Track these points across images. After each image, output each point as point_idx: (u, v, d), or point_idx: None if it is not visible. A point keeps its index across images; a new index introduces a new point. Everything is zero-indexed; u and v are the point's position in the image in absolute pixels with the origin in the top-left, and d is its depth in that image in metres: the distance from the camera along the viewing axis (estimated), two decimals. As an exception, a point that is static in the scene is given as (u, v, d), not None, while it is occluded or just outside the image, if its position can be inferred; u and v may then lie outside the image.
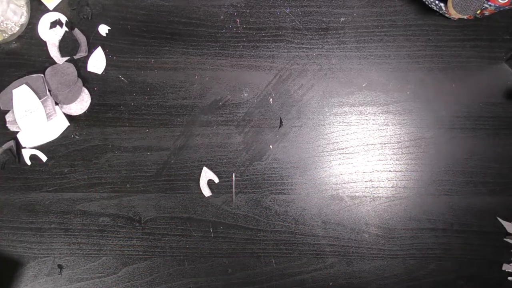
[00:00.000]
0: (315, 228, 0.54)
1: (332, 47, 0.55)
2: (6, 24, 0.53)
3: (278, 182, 0.54)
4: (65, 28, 0.54)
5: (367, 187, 0.54)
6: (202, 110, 0.54)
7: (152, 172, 0.54)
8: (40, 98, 0.52)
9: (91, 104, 0.54)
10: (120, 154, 0.54)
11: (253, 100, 0.54)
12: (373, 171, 0.54)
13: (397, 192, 0.54)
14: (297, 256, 0.53)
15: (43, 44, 0.54)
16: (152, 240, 0.53)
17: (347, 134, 0.54)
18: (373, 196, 0.54)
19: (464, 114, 0.54)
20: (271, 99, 0.54)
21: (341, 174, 0.54)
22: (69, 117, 0.54)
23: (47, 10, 0.55)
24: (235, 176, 0.53)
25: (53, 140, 0.54)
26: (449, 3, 0.48)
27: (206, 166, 0.53)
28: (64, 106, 0.53)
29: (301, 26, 0.55)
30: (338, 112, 0.54)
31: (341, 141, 0.54)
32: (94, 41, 0.55)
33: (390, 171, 0.54)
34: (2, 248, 0.53)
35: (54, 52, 0.54)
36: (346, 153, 0.54)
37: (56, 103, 0.53)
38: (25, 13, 0.54)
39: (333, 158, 0.54)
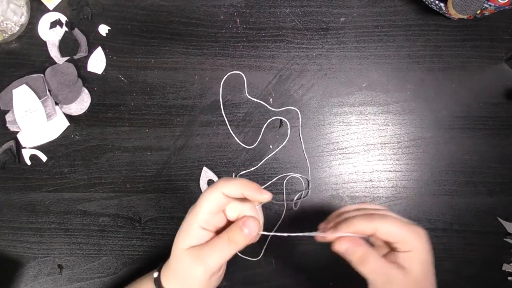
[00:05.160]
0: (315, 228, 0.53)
1: (332, 47, 0.55)
2: (6, 24, 0.53)
3: (278, 182, 0.54)
4: (65, 28, 0.54)
5: (367, 187, 0.54)
6: (202, 110, 0.54)
7: (152, 172, 0.54)
8: (40, 98, 0.52)
9: (91, 104, 0.54)
10: (120, 154, 0.54)
11: (253, 100, 0.54)
12: (373, 171, 0.54)
13: (397, 192, 0.54)
14: (297, 256, 0.53)
15: (43, 44, 0.54)
16: (152, 240, 0.53)
17: (347, 134, 0.54)
18: (373, 196, 0.54)
19: (464, 114, 0.54)
20: (271, 99, 0.54)
21: (341, 174, 0.54)
22: (69, 117, 0.54)
23: (47, 10, 0.55)
24: (235, 176, 0.53)
25: (53, 140, 0.54)
26: (449, 3, 0.48)
27: (206, 166, 0.53)
28: (64, 106, 0.53)
29: (301, 26, 0.55)
30: (338, 112, 0.54)
31: (341, 141, 0.54)
32: (94, 41, 0.55)
33: (390, 171, 0.54)
34: (2, 248, 0.53)
35: (54, 52, 0.54)
36: (346, 153, 0.54)
37: (56, 103, 0.53)
38: (25, 13, 0.54)
39: (333, 158, 0.54)
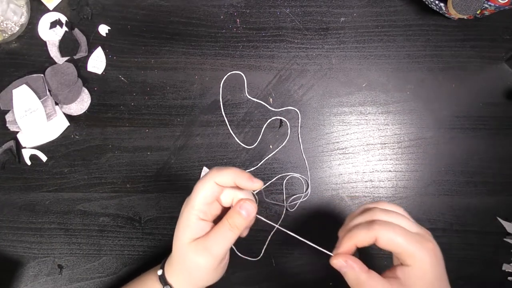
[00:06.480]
0: (313, 227, 0.53)
1: (332, 47, 0.55)
2: (6, 24, 0.53)
3: (278, 182, 0.54)
4: (65, 28, 0.54)
5: (367, 187, 0.54)
6: (202, 110, 0.54)
7: (152, 172, 0.54)
8: (40, 98, 0.52)
9: (91, 104, 0.54)
10: (120, 154, 0.54)
11: (253, 100, 0.54)
12: (373, 171, 0.54)
13: (397, 192, 0.54)
14: (297, 256, 0.53)
15: (43, 44, 0.54)
16: (152, 240, 0.53)
17: (347, 134, 0.54)
18: (373, 196, 0.54)
19: (464, 114, 0.54)
20: (271, 99, 0.54)
21: (341, 174, 0.54)
22: (69, 117, 0.54)
23: (47, 10, 0.55)
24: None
25: (53, 140, 0.54)
26: (449, 3, 0.48)
27: (206, 166, 0.53)
28: (64, 106, 0.53)
29: (301, 26, 0.55)
30: (338, 112, 0.54)
31: (341, 141, 0.54)
32: (94, 41, 0.55)
33: (390, 171, 0.54)
34: (2, 248, 0.53)
35: (54, 52, 0.54)
36: (346, 153, 0.54)
37: (56, 103, 0.53)
38: (25, 13, 0.54)
39: (333, 158, 0.54)
